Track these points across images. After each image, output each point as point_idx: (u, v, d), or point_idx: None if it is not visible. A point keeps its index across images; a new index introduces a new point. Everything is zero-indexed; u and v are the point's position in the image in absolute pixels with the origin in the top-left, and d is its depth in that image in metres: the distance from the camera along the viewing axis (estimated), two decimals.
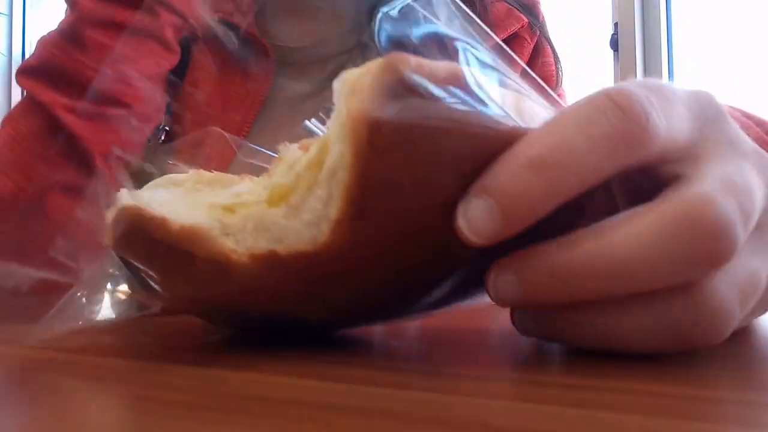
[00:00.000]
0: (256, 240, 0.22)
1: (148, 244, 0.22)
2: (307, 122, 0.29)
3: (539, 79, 0.24)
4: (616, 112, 0.19)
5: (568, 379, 0.20)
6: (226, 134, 0.31)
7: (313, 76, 0.62)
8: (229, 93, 0.60)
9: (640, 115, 0.19)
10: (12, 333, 0.33)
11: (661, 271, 0.19)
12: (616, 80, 1.57)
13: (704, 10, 1.61)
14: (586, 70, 1.70)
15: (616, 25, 1.59)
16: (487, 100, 0.21)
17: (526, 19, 0.66)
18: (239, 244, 0.22)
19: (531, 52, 0.67)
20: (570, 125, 0.20)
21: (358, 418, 0.16)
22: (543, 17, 0.70)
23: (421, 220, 0.21)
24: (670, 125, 0.20)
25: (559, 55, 0.69)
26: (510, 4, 0.66)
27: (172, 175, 0.27)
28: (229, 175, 0.26)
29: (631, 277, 0.19)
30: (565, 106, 0.72)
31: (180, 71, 0.59)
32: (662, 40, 1.56)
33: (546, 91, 0.24)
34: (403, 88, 0.19)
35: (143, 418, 0.17)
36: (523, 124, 0.21)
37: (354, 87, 0.20)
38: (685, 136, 0.21)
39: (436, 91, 0.20)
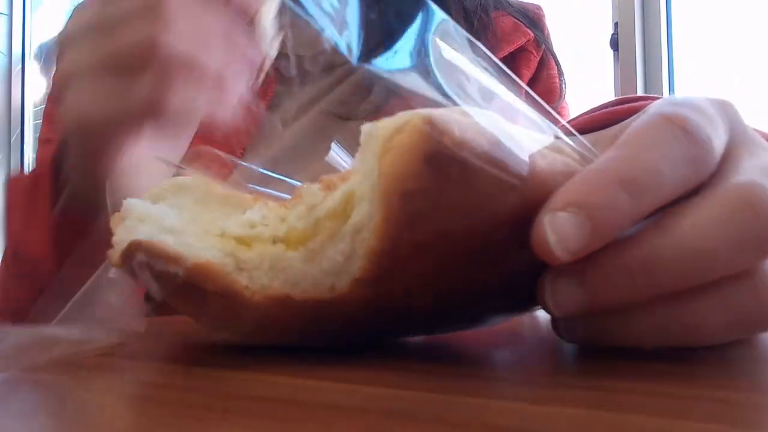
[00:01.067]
0: (271, 280, 0.21)
1: (160, 275, 0.22)
2: (333, 152, 0.29)
3: (539, 99, 0.25)
4: (685, 137, 0.21)
5: (569, 379, 0.20)
6: (221, 154, 0.30)
7: (316, 84, 0.62)
8: None
9: (706, 141, 0.21)
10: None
11: (728, 258, 0.20)
12: (616, 80, 1.57)
13: (704, 10, 1.61)
14: (586, 70, 1.70)
15: (616, 25, 1.59)
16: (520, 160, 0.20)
17: (532, 34, 0.66)
18: (253, 281, 0.21)
19: (537, 64, 0.67)
20: (651, 149, 0.21)
21: (358, 418, 0.16)
22: (548, 32, 0.71)
23: (446, 275, 0.21)
24: (720, 141, 0.22)
25: (562, 68, 0.69)
26: (516, 19, 0.66)
27: (178, 178, 0.26)
28: (240, 194, 0.25)
29: (701, 267, 0.20)
30: (567, 115, 0.72)
31: None
32: (662, 40, 1.56)
33: (545, 108, 0.24)
34: (443, 158, 0.19)
35: (143, 418, 0.17)
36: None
37: (388, 146, 0.19)
38: (724, 144, 0.23)
39: (476, 161, 0.19)
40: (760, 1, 1.53)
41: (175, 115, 0.36)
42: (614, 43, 1.59)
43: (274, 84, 0.60)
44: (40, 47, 2.34)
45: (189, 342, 0.30)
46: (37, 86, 2.34)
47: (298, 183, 0.28)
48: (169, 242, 0.21)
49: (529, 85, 0.66)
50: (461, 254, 0.20)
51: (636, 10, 1.57)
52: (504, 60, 0.64)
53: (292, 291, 0.21)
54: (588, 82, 1.62)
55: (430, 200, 0.19)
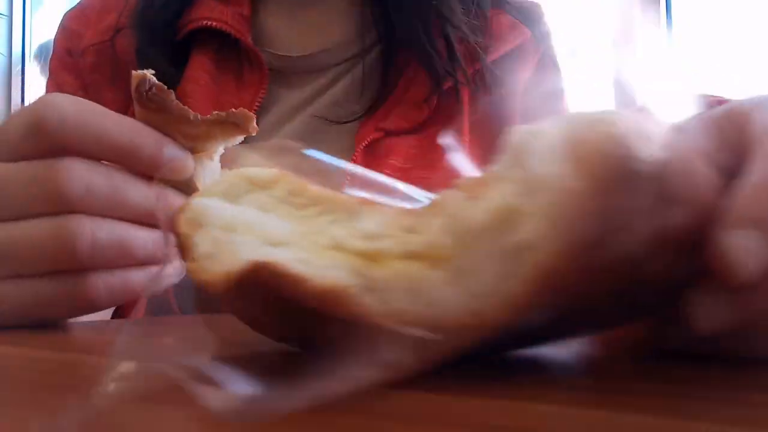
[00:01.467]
0: (406, 303, 0.18)
1: (268, 297, 0.18)
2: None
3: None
4: None
5: (568, 379, 0.20)
6: (312, 153, 0.25)
7: (308, 85, 0.61)
8: (221, 103, 0.58)
9: None
10: (13, 334, 0.33)
11: None
12: (615, 80, 1.57)
13: (704, 11, 1.61)
14: (586, 70, 1.70)
15: (616, 25, 1.58)
16: None
17: (530, 33, 0.64)
18: (384, 304, 0.18)
19: (536, 65, 0.65)
20: None
21: (359, 418, 0.16)
22: (549, 29, 0.69)
23: (603, 294, 0.19)
24: None
25: (560, 68, 0.68)
26: (514, 17, 0.64)
27: (248, 170, 0.22)
28: (339, 195, 0.21)
29: None
30: (564, 107, 0.70)
31: (174, 80, 0.58)
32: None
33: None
34: (640, 173, 0.17)
35: (143, 418, 0.17)
36: None
37: (569, 156, 0.17)
38: None
39: (667, 176, 0.17)
40: (760, 1, 1.53)
41: (108, 302, 0.35)
42: (614, 43, 1.59)
43: (265, 85, 0.59)
44: (40, 47, 2.34)
45: (188, 342, 0.30)
46: (37, 86, 2.34)
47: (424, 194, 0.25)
48: (286, 260, 0.18)
49: (526, 87, 0.65)
50: (627, 273, 0.18)
51: (636, 10, 1.57)
52: (501, 60, 0.63)
53: (433, 316, 0.18)
54: (588, 82, 1.62)
55: (620, 219, 0.17)
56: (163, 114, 0.33)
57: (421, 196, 0.25)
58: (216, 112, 0.34)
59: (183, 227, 0.20)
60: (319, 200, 0.21)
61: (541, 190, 0.17)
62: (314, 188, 0.21)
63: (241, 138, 0.35)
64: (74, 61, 0.63)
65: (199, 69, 0.58)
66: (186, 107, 0.33)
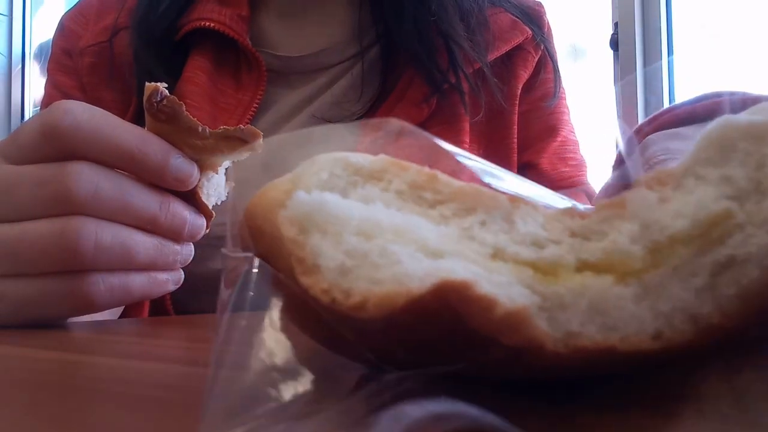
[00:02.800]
0: (584, 325, 0.15)
1: (440, 325, 0.15)
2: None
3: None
4: None
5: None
6: (428, 136, 0.20)
7: (307, 86, 0.61)
8: (219, 104, 0.59)
9: None
10: (13, 334, 0.33)
11: None
12: (616, 80, 1.57)
13: (704, 10, 1.61)
14: (586, 70, 1.70)
15: (616, 25, 1.59)
16: None
17: (530, 32, 0.64)
18: (555, 325, 0.15)
19: (535, 65, 0.65)
20: None
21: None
22: (549, 27, 0.69)
23: None
24: None
25: (559, 68, 0.67)
26: (515, 16, 0.64)
27: (349, 156, 0.18)
28: (480, 189, 0.17)
29: None
30: (567, 116, 0.69)
31: (171, 82, 0.58)
32: (662, 40, 1.56)
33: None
34: None
35: (143, 418, 0.17)
36: None
37: None
38: None
39: None
40: (760, 1, 1.53)
41: (108, 303, 0.35)
42: (614, 43, 1.59)
43: (264, 85, 0.59)
44: (40, 47, 2.35)
45: (188, 342, 0.30)
46: (37, 86, 2.34)
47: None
48: (473, 278, 0.14)
49: (525, 88, 0.65)
50: None
51: (636, 10, 1.57)
52: (500, 60, 0.63)
53: (609, 339, 0.15)
54: (588, 82, 1.62)
55: None
56: (173, 125, 0.34)
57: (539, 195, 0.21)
58: (224, 126, 0.35)
59: (289, 230, 0.16)
60: (456, 196, 0.17)
61: (765, 197, 0.15)
62: (447, 179, 0.17)
63: (246, 154, 0.36)
64: (72, 62, 0.63)
65: (197, 69, 0.58)
66: (195, 120, 0.34)
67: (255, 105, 0.58)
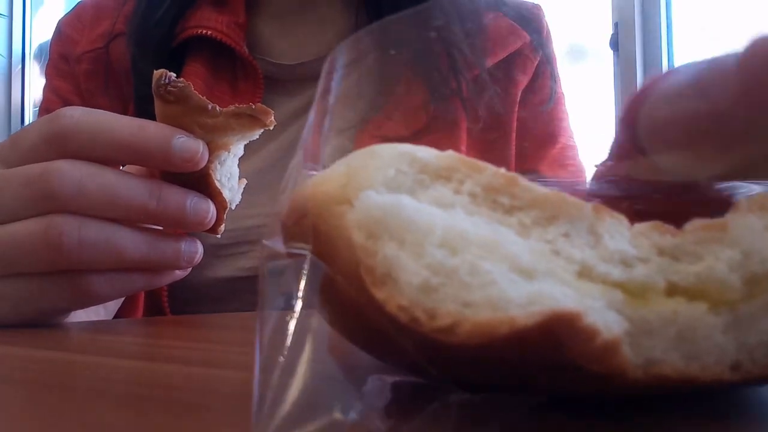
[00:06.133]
0: (667, 352, 0.14)
1: (540, 355, 0.14)
2: None
3: None
4: None
5: None
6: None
7: (304, 93, 0.61)
8: None
9: None
10: (13, 334, 0.33)
11: None
12: (616, 80, 1.57)
13: (704, 10, 1.61)
14: (586, 70, 1.70)
15: (616, 25, 1.59)
16: None
17: (528, 37, 0.63)
18: (637, 351, 0.14)
19: (534, 70, 0.64)
20: None
21: None
22: (548, 30, 0.68)
23: None
24: None
25: (558, 70, 0.66)
26: (512, 20, 0.63)
27: (413, 149, 0.16)
28: (559, 195, 0.16)
29: None
30: (567, 120, 0.69)
31: None
32: (662, 40, 1.56)
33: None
34: None
35: (143, 418, 0.17)
36: None
37: None
38: None
39: None
40: (760, 1, 1.53)
41: (109, 294, 0.35)
42: (614, 43, 1.59)
43: (260, 93, 0.58)
44: (40, 47, 2.34)
45: (188, 343, 0.30)
46: (37, 87, 2.34)
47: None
48: (579, 306, 0.13)
49: (524, 93, 0.64)
50: None
51: (636, 10, 1.57)
52: (499, 65, 0.62)
53: (690, 368, 0.14)
54: (588, 82, 1.62)
55: None
56: (183, 105, 0.33)
57: None
58: (235, 105, 0.34)
59: (359, 235, 0.14)
60: (536, 202, 0.15)
61: None
62: (527, 184, 0.16)
63: (258, 132, 0.36)
64: (69, 67, 0.63)
65: (194, 77, 0.58)
66: (205, 98, 0.34)
67: None
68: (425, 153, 0.16)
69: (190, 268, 0.38)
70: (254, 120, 0.34)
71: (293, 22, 0.63)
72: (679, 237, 0.15)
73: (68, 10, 0.68)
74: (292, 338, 0.15)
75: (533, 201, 0.15)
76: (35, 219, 0.32)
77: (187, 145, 0.33)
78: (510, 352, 0.13)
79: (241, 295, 0.53)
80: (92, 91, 0.61)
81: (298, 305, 0.15)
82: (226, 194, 0.36)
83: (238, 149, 0.37)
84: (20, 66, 2.38)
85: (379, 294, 0.14)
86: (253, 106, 0.34)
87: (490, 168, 0.16)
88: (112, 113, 0.34)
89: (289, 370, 0.14)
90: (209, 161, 0.34)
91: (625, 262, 0.15)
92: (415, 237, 0.14)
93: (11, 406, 0.19)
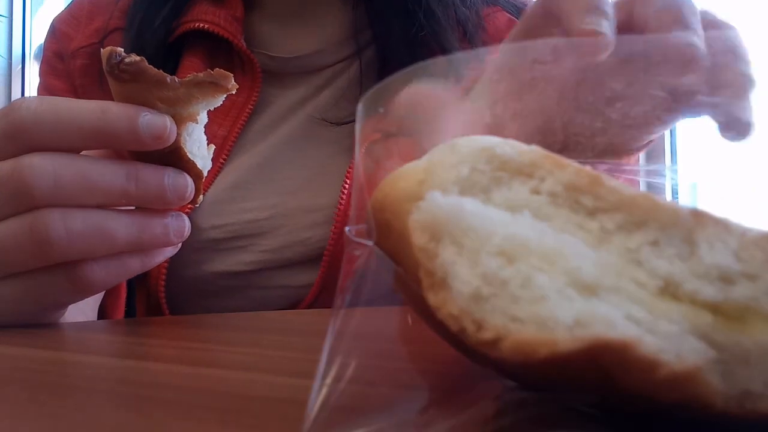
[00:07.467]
0: (763, 384, 0.12)
1: (592, 379, 0.13)
2: None
3: None
4: None
5: None
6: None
7: (303, 86, 0.60)
8: None
9: None
10: (12, 334, 0.32)
11: None
12: None
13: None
14: None
15: None
16: None
17: None
18: (731, 382, 0.12)
19: None
20: None
21: None
22: None
23: None
24: None
25: None
26: (511, 14, 0.63)
27: (493, 143, 0.15)
28: (650, 197, 0.14)
29: None
30: None
31: None
32: None
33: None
34: None
35: (143, 418, 0.17)
36: None
37: None
38: None
39: None
40: (761, 1, 1.53)
41: (106, 281, 0.34)
42: None
43: (259, 86, 0.58)
44: (40, 48, 2.34)
45: (188, 342, 0.30)
46: (36, 86, 2.33)
47: None
48: (635, 335, 0.12)
49: None
50: None
51: None
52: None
53: None
54: None
55: None
56: (140, 82, 0.32)
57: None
58: (193, 73, 0.33)
59: (420, 237, 0.14)
60: (623, 205, 0.14)
61: None
62: (614, 184, 0.14)
63: (222, 97, 0.35)
64: (64, 65, 0.63)
65: (191, 71, 0.58)
66: (161, 71, 0.33)
67: (250, 106, 0.57)
68: (506, 148, 0.15)
69: (180, 244, 0.37)
70: (216, 87, 0.33)
71: (291, 15, 0.63)
72: None
73: (60, 11, 0.68)
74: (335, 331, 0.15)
75: (619, 203, 0.14)
76: (16, 218, 0.32)
77: (154, 121, 0.32)
78: (557, 374, 0.13)
79: (240, 290, 0.52)
80: (87, 86, 0.61)
81: (346, 299, 0.15)
82: (199, 164, 0.35)
83: (202, 117, 0.36)
84: (20, 66, 2.38)
85: (433, 299, 0.13)
86: (212, 72, 0.33)
87: (573, 165, 0.15)
88: (70, 99, 0.33)
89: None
90: (177, 134, 0.33)
91: (725, 279, 0.13)
92: (473, 243, 0.13)
93: (11, 406, 0.19)
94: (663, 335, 0.12)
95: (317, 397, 0.14)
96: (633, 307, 0.12)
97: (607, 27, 0.27)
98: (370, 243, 0.16)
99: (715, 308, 0.13)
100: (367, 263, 0.15)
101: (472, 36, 0.60)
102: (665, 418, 0.14)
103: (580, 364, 0.12)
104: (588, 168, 0.15)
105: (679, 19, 0.28)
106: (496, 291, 0.13)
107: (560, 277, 0.13)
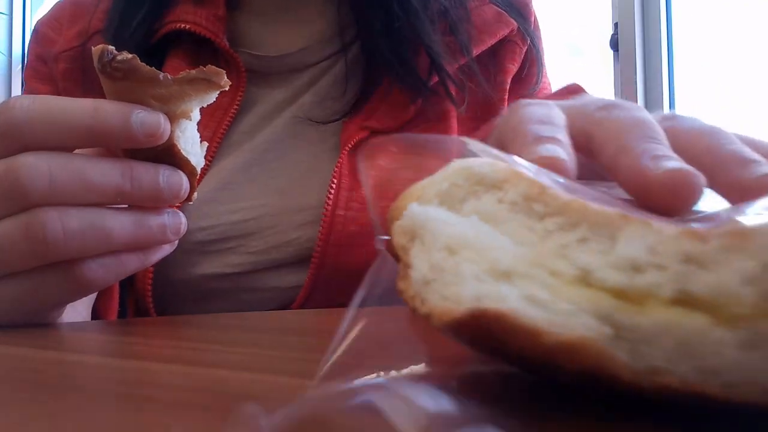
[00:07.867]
0: (674, 363, 0.14)
1: (493, 344, 0.15)
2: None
3: None
4: None
5: None
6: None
7: (288, 85, 0.60)
8: None
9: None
10: (13, 334, 0.33)
11: None
12: (616, 80, 1.57)
13: (704, 10, 1.61)
14: (586, 70, 1.70)
15: (616, 25, 1.59)
16: None
17: (516, 24, 0.62)
18: (637, 358, 0.14)
19: (523, 57, 0.63)
20: None
21: (358, 418, 0.16)
22: (536, 18, 0.67)
23: None
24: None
25: (544, 60, 0.66)
26: (499, 7, 0.63)
27: (477, 165, 0.18)
28: (590, 204, 0.16)
29: None
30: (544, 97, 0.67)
31: None
32: (662, 40, 1.56)
33: None
34: None
35: (143, 418, 0.17)
36: None
37: None
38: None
39: None
40: (761, 1, 1.53)
41: (105, 279, 0.34)
42: (614, 43, 1.59)
43: (243, 86, 0.58)
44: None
45: (189, 342, 0.30)
46: None
47: None
48: (514, 306, 0.14)
49: (513, 83, 0.63)
50: None
51: (636, 10, 1.57)
52: (487, 53, 0.61)
53: (707, 384, 0.14)
54: (588, 82, 1.62)
55: None
56: (132, 80, 0.32)
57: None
58: (186, 70, 0.33)
59: (398, 237, 0.18)
60: (563, 209, 0.16)
61: None
62: (555, 192, 0.17)
63: (215, 94, 0.35)
64: (47, 68, 0.62)
65: (175, 72, 0.57)
66: (153, 68, 0.32)
67: (235, 106, 0.57)
68: (484, 167, 0.18)
69: (177, 242, 0.37)
70: (209, 83, 0.33)
71: (275, 14, 0.62)
72: (708, 244, 0.14)
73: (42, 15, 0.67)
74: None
75: (560, 208, 0.16)
76: (12, 218, 0.32)
77: (148, 119, 0.32)
78: (480, 343, 0.16)
79: (230, 292, 0.52)
80: (70, 90, 0.60)
81: (360, 295, 0.18)
82: (193, 161, 0.35)
83: (195, 114, 0.36)
84: (20, 65, 2.38)
85: (401, 285, 0.17)
86: (204, 69, 0.33)
87: (526, 178, 0.17)
88: (62, 98, 0.33)
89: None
90: (171, 132, 0.33)
91: (636, 268, 0.15)
92: (430, 241, 0.17)
93: (11, 406, 0.19)
94: (557, 312, 0.14)
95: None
96: (538, 290, 0.15)
97: (562, 153, 0.22)
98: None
99: (620, 293, 0.14)
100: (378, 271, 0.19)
101: (456, 29, 0.59)
102: (665, 410, 0.16)
103: (480, 332, 0.15)
104: (537, 179, 0.17)
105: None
106: (437, 276, 0.16)
107: (483, 266, 0.16)
